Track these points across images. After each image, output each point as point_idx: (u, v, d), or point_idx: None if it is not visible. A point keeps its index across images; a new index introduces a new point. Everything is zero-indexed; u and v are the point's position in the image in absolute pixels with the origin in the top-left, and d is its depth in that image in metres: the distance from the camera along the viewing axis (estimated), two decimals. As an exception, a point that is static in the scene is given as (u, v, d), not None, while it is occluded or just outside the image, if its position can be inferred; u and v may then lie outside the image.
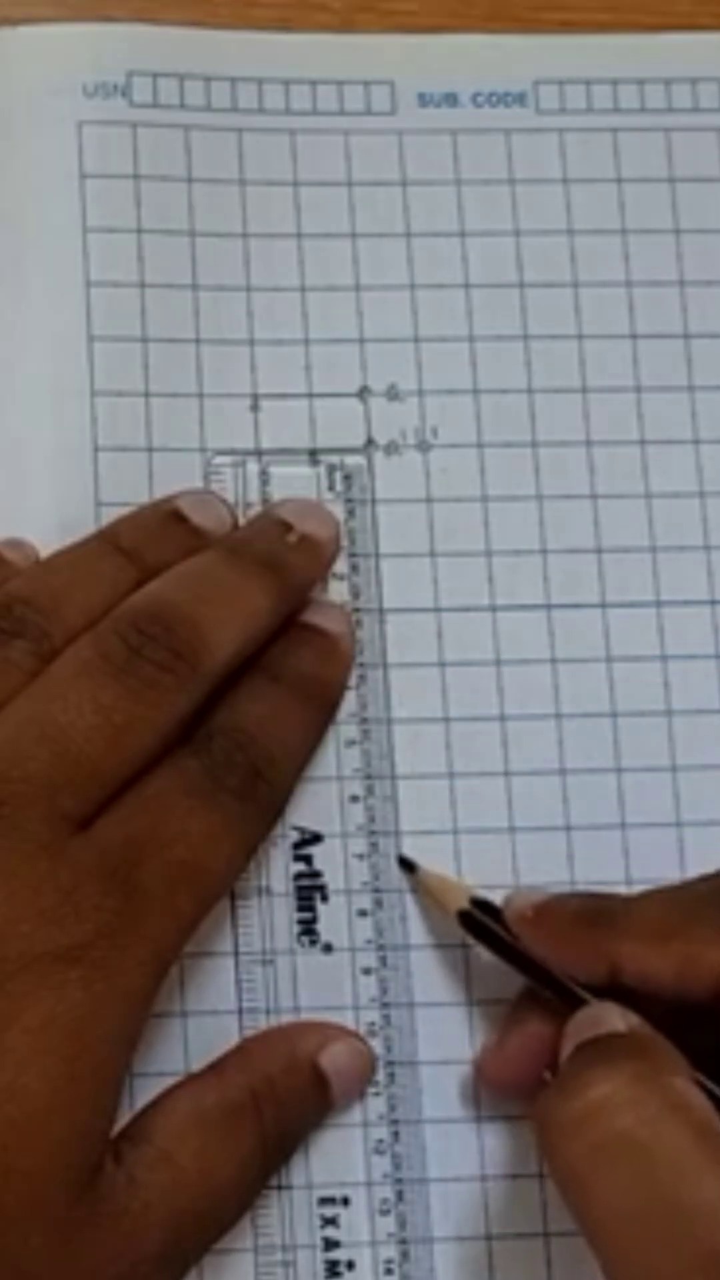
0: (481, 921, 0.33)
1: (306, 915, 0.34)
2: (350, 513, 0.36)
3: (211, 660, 0.32)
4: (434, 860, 0.35)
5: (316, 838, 0.35)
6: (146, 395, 0.36)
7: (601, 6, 0.39)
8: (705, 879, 0.33)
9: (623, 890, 0.35)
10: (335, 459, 0.36)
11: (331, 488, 0.36)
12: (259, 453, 0.36)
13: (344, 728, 0.35)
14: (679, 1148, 0.28)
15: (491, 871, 0.35)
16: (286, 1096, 0.33)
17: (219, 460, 0.36)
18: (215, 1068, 0.33)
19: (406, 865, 0.35)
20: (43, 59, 0.37)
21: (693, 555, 0.37)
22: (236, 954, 0.34)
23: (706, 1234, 0.27)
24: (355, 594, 0.36)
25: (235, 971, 0.34)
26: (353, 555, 0.36)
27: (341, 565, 0.36)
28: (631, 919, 0.32)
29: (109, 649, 0.32)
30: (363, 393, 0.37)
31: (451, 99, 0.38)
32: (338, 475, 0.36)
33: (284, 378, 0.37)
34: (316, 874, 0.35)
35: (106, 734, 0.31)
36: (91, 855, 0.30)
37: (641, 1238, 0.27)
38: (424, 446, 0.37)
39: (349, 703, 0.35)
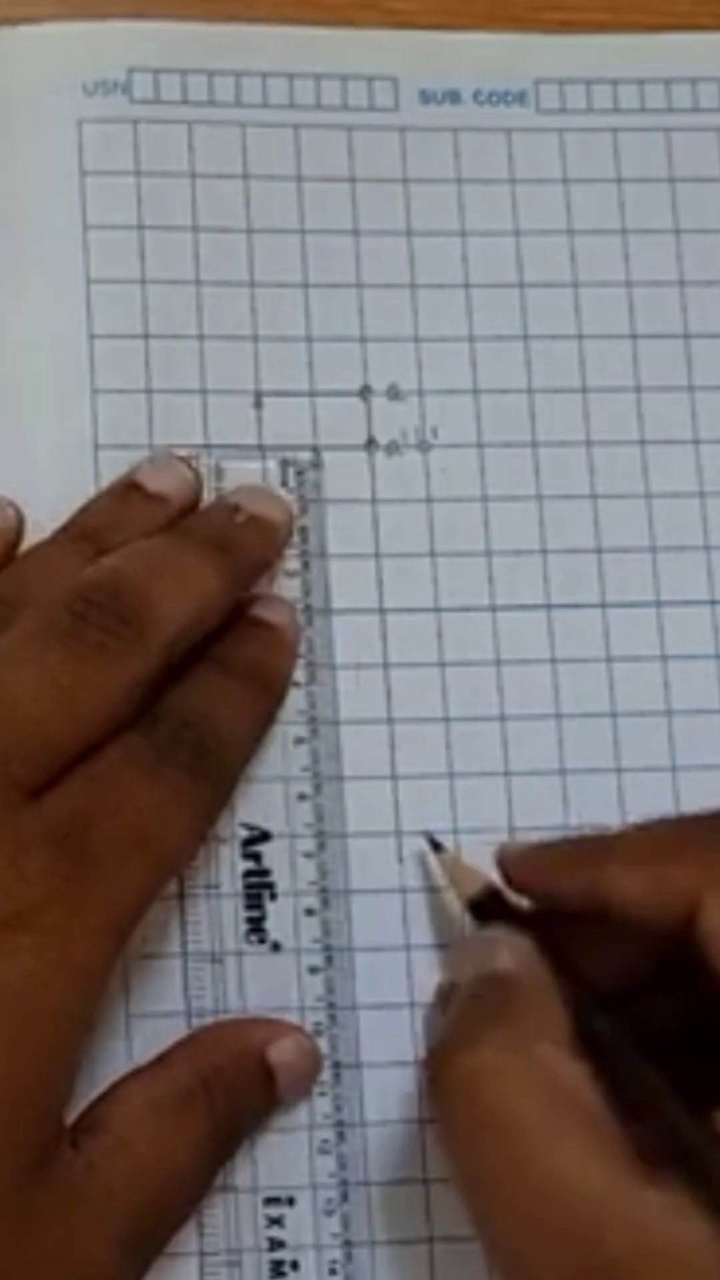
0: (492, 911, 0.33)
1: (255, 914, 0.34)
2: (303, 509, 0.36)
3: (160, 629, 0.32)
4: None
5: (265, 836, 0.34)
6: (148, 392, 0.36)
7: (601, 6, 0.39)
8: (701, 815, 0.32)
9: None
10: (288, 454, 0.36)
11: (285, 483, 0.36)
12: (208, 447, 0.36)
13: (292, 726, 0.35)
14: (532, 1117, 0.28)
15: (491, 872, 0.34)
16: (235, 1085, 0.32)
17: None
18: (163, 1058, 0.33)
19: (434, 844, 0.34)
20: (43, 57, 0.37)
21: (693, 555, 0.37)
22: (185, 953, 0.34)
23: (554, 1203, 0.27)
24: (306, 591, 0.35)
25: (183, 971, 0.34)
26: (304, 553, 0.36)
27: (294, 562, 0.36)
28: (616, 845, 0.32)
29: (54, 618, 0.31)
30: (364, 392, 0.37)
31: (454, 96, 0.38)
32: (290, 471, 0.36)
33: (287, 375, 0.37)
34: (265, 872, 0.34)
35: (54, 697, 0.31)
36: (40, 823, 0.30)
37: (501, 1204, 0.28)
38: (424, 446, 0.37)
39: (297, 700, 0.35)
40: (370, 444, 0.37)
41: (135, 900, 0.31)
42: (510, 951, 0.31)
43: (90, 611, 0.31)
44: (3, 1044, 0.29)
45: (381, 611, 0.36)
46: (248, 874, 0.34)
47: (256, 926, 0.34)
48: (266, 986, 0.34)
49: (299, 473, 0.36)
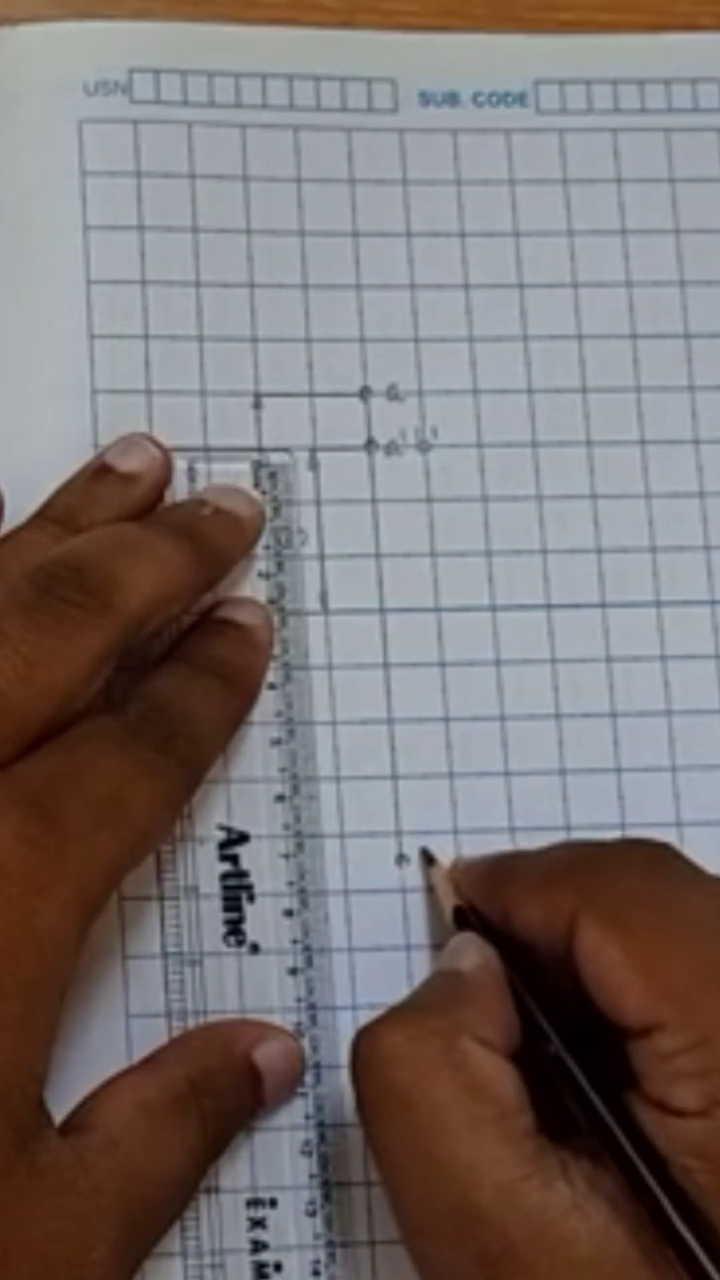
0: (468, 922, 0.32)
1: (233, 916, 0.33)
2: (275, 510, 0.35)
3: (124, 601, 0.31)
4: (435, 859, 0.34)
5: (243, 837, 0.34)
6: (148, 392, 0.35)
7: (601, 6, 0.38)
8: (593, 841, 0.32)
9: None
10: (259, 456, 0.35)
11: (257, 485, 0.35)
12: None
13: (269, 728, 0.34)
14: (443, 1106, 0.28)
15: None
16: (223, 1088, 0.32)
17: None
18: (152, 1060, 0.32)
19: (427, 858, 0.34)
20: (44, 58, 0.36)
21: (692, 555, 0.36)
22: (164, 955, 0.33)
23: (455, 1189, 0.27)
24: (280, 592, 0.35)
25: (164, 973, 0.33)
26: (279, 554, 0.35)
27: (268, 564, 0.35)
28: (519, 868, 0.32)
29: (16, 591, 0.31)
30: (364, 392, 0.36)
31: (453, 98, 0.38)
32: (263, 473, 0.35)
33: (286, 376, 0.36)
34: (243, 874, 0.34)
35: (15, 665, 0.30)
36: (8, 789, 0.29)
37: (405, 1186, 0.28)
38: (424, 446, 0.36)
39: (274, 702, 0.34)
40: (370, 444, 0.36)
41: (105, 873, 0.30)
42: (475, 951, 0.31)
43: (53, 584, 0.31)
44: None
45: (382, 611, 0.35)
46: (225, 876, 0.34)
47: (235, 928, 0.33)
48: (246, 988, 0.33)
49: (271, 475, 0.35)
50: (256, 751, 0.34)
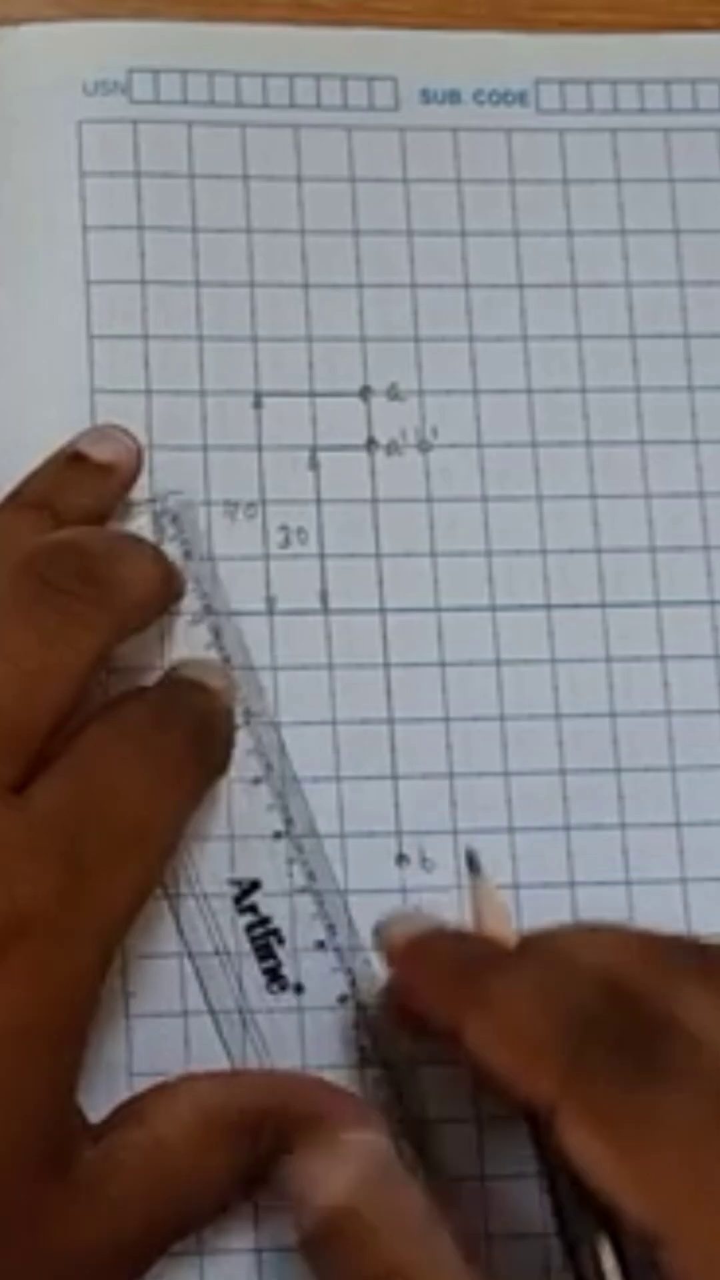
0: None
1: (270, 963, 0.33)
2: (187, 554, 0.34)
3: (124, 598, 0.30)
4: (434, 859, 0.34)
5: (255, 885, 0.33)
6: (148, 392, 0.35)
7: (601, 6, 0.38)
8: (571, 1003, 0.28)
9: (621, 892, 0.34)
10: (159, 505, 0.34)
11: (159, 532, 0.34)
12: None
13: (246, 768, 0.33)
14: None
15: (492, 871, 0.33)
16: (287, 1134, 0.30)
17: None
18: (231, 1076, 0.31)
19: (472, 864, 0.33)
20: (43, 58, 0.36)
21: (692, 555, 0.36)
22: (213, 1013, 0.33)
23: None
24: (223, 655, 0.34)
25: (219, 1033, 0.32)
26: (206, 605, 0.34)
27: (187, 613, 0.34)
28: (486, 997, 0.28)
29: (17, 582, 0.29)
30: (364, 392, 0.36)
31: (454, 96, 0.37)
32: (164, 520, 0.34)
33: (287, 375, 0.36)
34: (266, 920, 0.33)
35: (16, 680, 0.28)
36: (24, 829, 0.28)
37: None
38: (424, 446, 0.36)
39: (245, 742, 0.33)
40: (370, 444, 0.36)
41: (129, 904, 0.29)
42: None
43: (52, 572, 0.29)
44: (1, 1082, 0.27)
45: (382, 611, 0.35)
46: (250, 927, 0.33)
47: (275, 975, 0.33)
48: (304, 1027, 0.33)
49: (174, 519, 0.34)
50: (242, 798, 0.33)
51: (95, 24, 0.36)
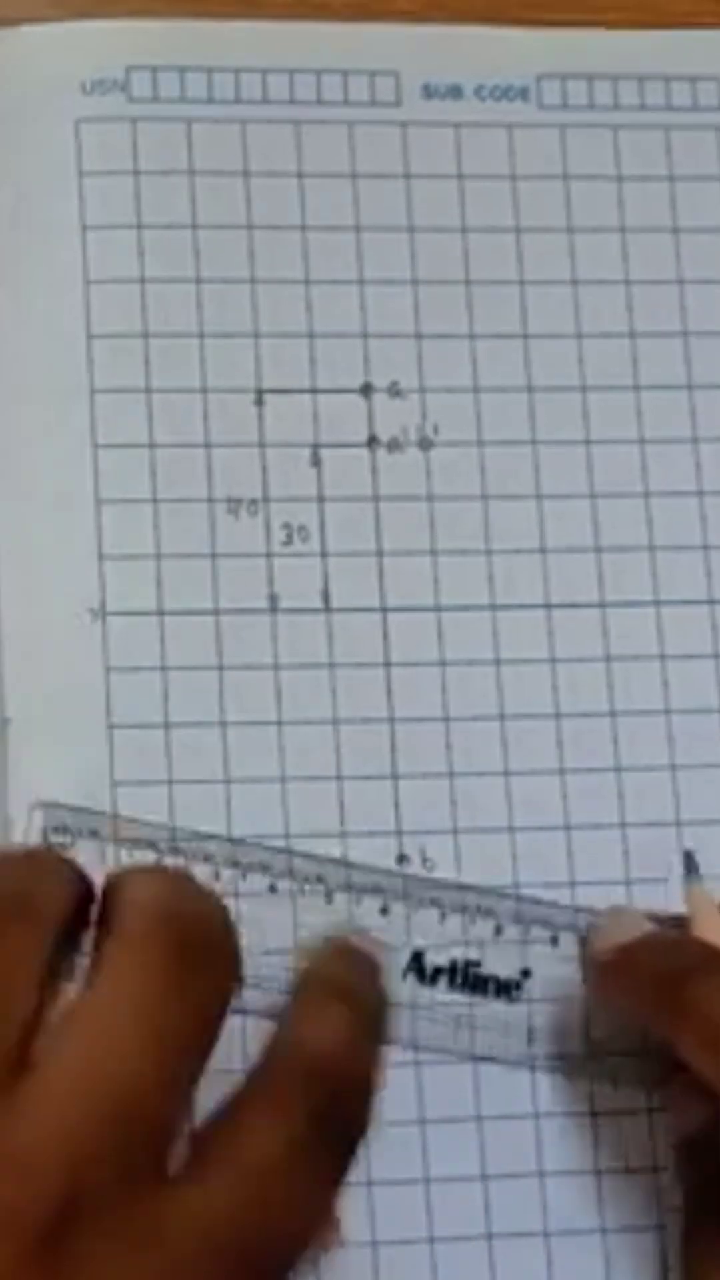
0: None
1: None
2: None
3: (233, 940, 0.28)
4: (434, 859, 0.34)
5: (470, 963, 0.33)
6: (148, 391, 0.35)
7: (602, 5, 0.37)
8: None
9: (621, 890, 0.34)
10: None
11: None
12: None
13: None
14: None
15: (491, 871, 0.34)
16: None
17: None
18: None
19: (689, 864, 0.33)
20: (40, 57, 0.35)
21: (691, 554, 0.36)
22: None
23: None
24: None
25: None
26: None
27: None
28: (693, 998, 0.30)
29: (146, 955, 0.26)
30: (366, 389, 0.36)
31: (456, 91, 0.37)
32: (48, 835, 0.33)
33: (288, 372, 0.35)
34: (478, 965, 0.33)
35: (157, 1060, 0.26)
36: (194, 1232, 0.25)
37: None
38: (425, 444, 0.35)
39: None
40: (372, 441, 0.35)
41: None
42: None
43: (178, 930, 0.27)
44: None
45: (383, 610, 0.35)
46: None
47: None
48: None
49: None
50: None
51: (93, 23, 0.36)
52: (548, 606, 0.35)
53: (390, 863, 0.34)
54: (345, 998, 0.29)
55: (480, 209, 0.36)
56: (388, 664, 0.34)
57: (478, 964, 0.33)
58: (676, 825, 0.34)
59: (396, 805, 0.34)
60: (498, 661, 0.35)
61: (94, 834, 0.33)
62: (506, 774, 0.34)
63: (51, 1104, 0.25)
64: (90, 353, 0.35)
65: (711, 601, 0.36)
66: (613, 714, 0.35)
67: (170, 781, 0.33)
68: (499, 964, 0.33)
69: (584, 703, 0.35)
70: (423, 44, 0.37)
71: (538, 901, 0.33)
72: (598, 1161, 0.33)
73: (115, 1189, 0.24)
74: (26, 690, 0.34)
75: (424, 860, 0.34)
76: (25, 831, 0.33)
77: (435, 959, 0.33)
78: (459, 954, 0.33)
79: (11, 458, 0.34)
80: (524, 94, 0.37)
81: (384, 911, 0.33)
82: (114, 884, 0.28)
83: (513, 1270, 0.32)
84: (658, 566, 0.36)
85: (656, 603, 0.35)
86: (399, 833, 0.34)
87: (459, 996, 0.33)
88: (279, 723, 0.34)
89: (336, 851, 0.33)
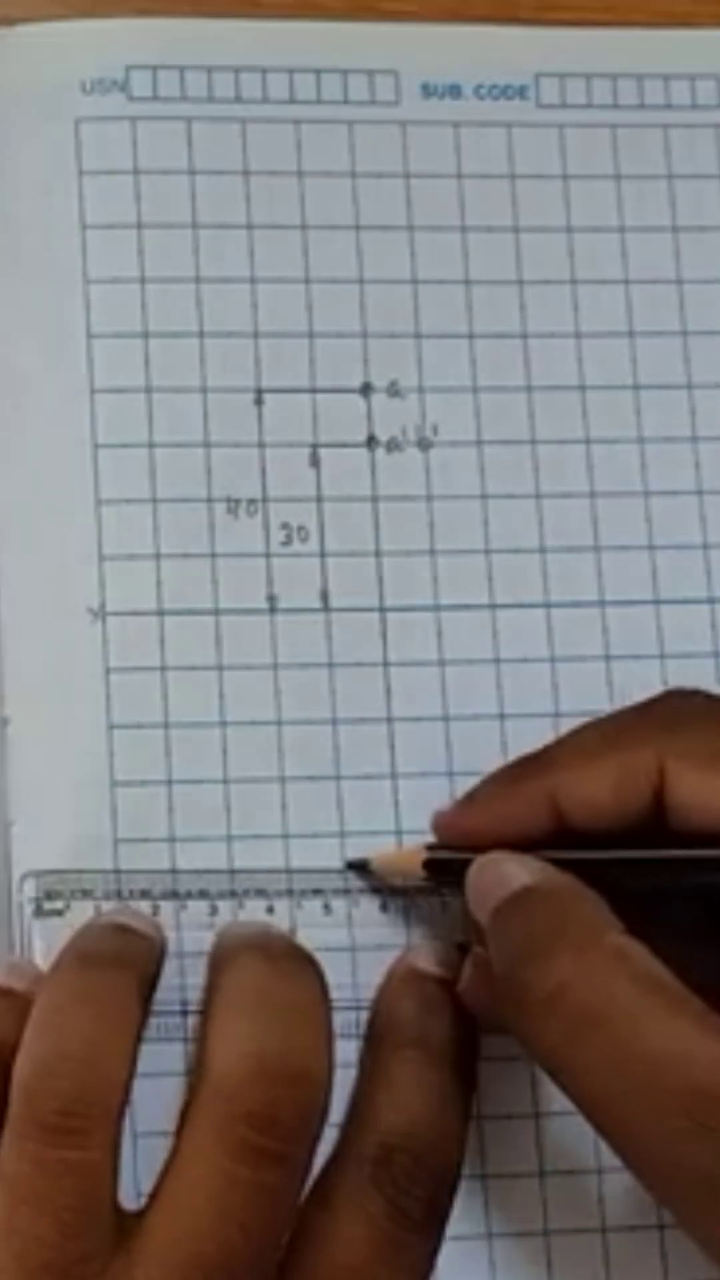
0: (447, 861, 0.31)
1: None
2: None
3: (313, 1115, 0.28)
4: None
5: None
6: (148, 390, 0.34)
7: (602, 7, 0.37)
8: (634, 705, 0.31)
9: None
10: None
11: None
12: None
13: None
14: (630, 1004, 0.26)
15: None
16: None
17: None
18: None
19: (358, 867, 0.32)
20: (40, 56, 0.35)
21: (691, 553, 0.35)
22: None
23: (675, 1079, 0.26)
24: None
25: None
26: None
27: None
28: (563, 750, 0.31)
29: (239, 1143, 0.27)
30: (365, 389, 0.35)
31: (455, 90, 0.36)
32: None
33: (288, 372, 0.34)
34: None
35: (249, 1260, 0.27)
36: None
37: (622, 1100, 0.26)
38: (425, 444, 0.35)
39: None
40: (371, 441, 0.35)
41: None
42: (521, 867, 0.29)
43: (273, 1102, 0.27)
44: None
45: (382, 610, 0.34)
46: None
47: None
48: None
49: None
50: None
51: (93, 22, 0.35)
52: (547, 606, 0.34)
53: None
54: (420, 1051, 0.29)
55: (479, 208, 0.36)
56: (386, 664, 0.34)
57: None
58: (676, 825, 0.34)
59: (396, 805, 0.33)
60: (497, 661, 0.34)
61: (86, 894, 0.32)
62: (506, 773, 0.34)
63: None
64: (90, 353, 0.34)
65: (711, 601, 0.35)
66: (612, 713, 0.34)
67: (170, 782, 0.33)
68: None
69: (582, 701, 0.34)
70: (422, 43, 0.36)
71: None
72: (598, 1161, 0.32)
73: None
74: (26, 690, 0.33)
75: (424, 860, 0.33)
76: (17, 904, 0.32)
77: None
78: None
79: (11, 458, 0.33)
80: (523, 93, 0.36)
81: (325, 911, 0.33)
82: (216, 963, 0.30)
83: (513, 1270, 0.32)
84: (658, 566, 0.35)
85: (656, 602, 0.35)
86: (398, 832, 0.33)
87: None
88: (278, 723, 0.33)
89: (336, 850, 0.33)
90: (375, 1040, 0.30)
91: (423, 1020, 0.30)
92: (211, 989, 0.30)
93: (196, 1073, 0.28)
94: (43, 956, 0.31)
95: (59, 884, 0.32)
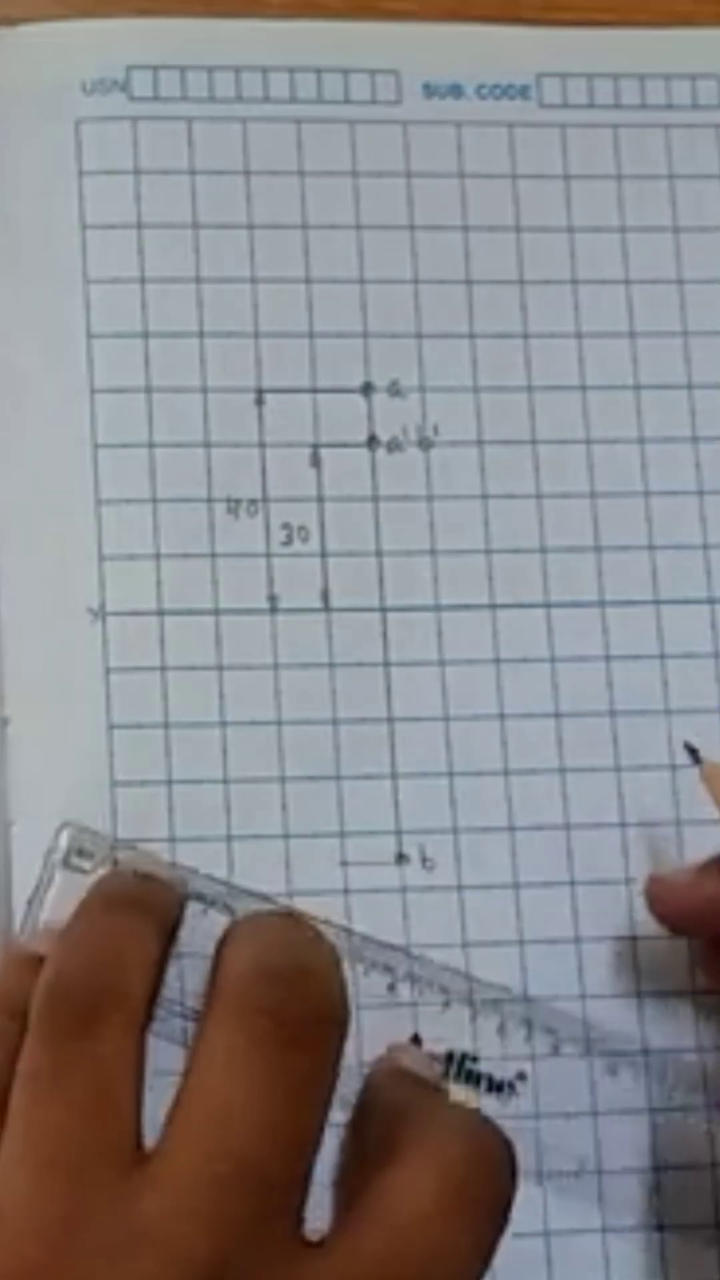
0: None
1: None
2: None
3: (340, 1008, 0.27)
4: (434, 859, 0.33)
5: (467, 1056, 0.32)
6: (148, 390, 0.34)
7: (604, 6, 0.37)
8: None
9: (622, 889, 0.33)
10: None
11: None
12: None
13: None
14: None
15: (491, 871, 0.33)
16: None
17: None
18: None
19: (692, 751, 0.33)
20: (41, 56, 0.35)
21: (691, 554, 0.35)
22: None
23: None
24: None
25: None
26: None
27: None
28: None
29: (253, 1029, 0.26)
30: (366, 388, 0.35)
31: (456, 90, 0.36)
32: None
33: (288, 371, 0.34)
34: (474, 1060, 0.31)
35: (255, 1125, 0.26)
36: None
37: None
38: (425, 444, 0.34)
39: None
40: (372, 441, 0.34)
41: None
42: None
43: (280, 1006, 0.27)
44: None
45: (383, 610, 0.34)
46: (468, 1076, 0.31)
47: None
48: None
49: None
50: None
51: (93, 22, 0.35)
52: (547, 606, 0.34)
53: (390, 862, 0.33)
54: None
55: (481, 208, 0.35)
56: (387, 664, 0.34)
57: (474, 1059, 0.32)
58: (676, 824, 0.33)
59: (396, 805, 0.33)
60: (497, 661, 0.34)
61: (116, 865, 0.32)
62: (506, 774, 0.33)
63: (183, 1179, 0.25)
64: (90, 352, 0.34)
65: (711, 601, 0.35)
66: (613, 714, 0.34)
67: (170, 782, 0.33)
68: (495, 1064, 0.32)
69: (583, 701, 0.34)
70: (423, 42, 0.36)
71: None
72: (598, 1161, 0.32)
73: (256, 1255, 0.25)
74: (26, 690, 0.33)
75: (424, 860, 0.33)
76: (48, 851, 0.32)
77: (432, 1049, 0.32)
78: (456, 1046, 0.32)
79: (11, 458, 0.33)
80: (524, 92, 0.36)
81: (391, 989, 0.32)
82: (225, 938, 0.28)
83: (513, 1270, 0.32)
84: (658, 566, 0.35)
85: (656, 602, 0.34)
86: (398, 832, 0.33)
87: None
88: (278, 722, 0.33)
89: (337, 851, 0.33)
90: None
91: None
92: (223, 940, 0.29)
93: (210, 991, 0.28)
94: (53, 908, 0.31)
95: (93, 845, 0.32)
